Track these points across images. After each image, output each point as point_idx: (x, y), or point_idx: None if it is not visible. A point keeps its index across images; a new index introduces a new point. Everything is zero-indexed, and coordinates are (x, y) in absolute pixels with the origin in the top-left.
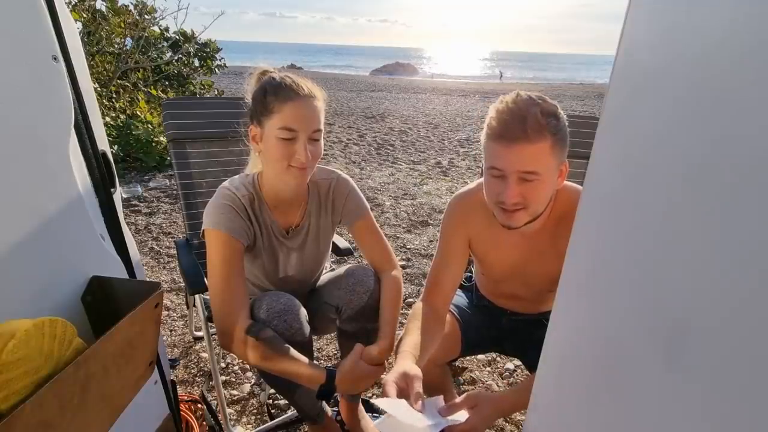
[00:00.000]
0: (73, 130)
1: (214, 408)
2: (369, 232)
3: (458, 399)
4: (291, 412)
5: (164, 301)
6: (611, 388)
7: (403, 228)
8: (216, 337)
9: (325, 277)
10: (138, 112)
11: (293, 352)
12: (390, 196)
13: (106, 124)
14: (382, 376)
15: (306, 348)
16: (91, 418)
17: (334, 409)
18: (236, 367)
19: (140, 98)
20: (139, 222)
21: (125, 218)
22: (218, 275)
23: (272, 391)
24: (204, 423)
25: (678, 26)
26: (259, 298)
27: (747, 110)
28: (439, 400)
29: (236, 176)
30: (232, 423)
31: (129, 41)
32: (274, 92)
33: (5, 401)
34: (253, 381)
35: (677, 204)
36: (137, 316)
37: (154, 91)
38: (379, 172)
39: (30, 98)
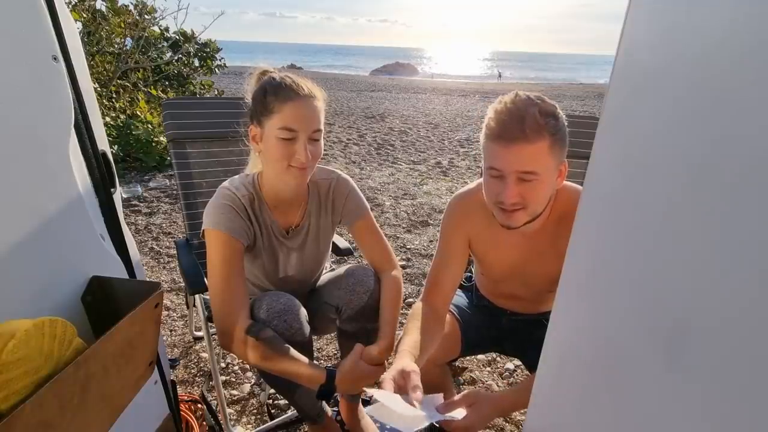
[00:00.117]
0: (73, 130)
1: (214, 408)
2: (369, 232)
3: (456, 397)
4: (291, 412)
5: (164, 301)
6: (611, 387)
7: (403, 228)
8: (216, 337)
9: (325, 277)
10: (138, 112)
11: (293, 352)
12: (390, 196)
13: (106, 124)
14: (382, 375)
15: (306, 348)
16: (91, 418)
17: (334, 409)
18: (236, 367)
19: (140, 98)
20: (139, 222)
21: (125, 218)
22: (218, 275)
23: (272, 391)
24: (204, 423)
25: (678, 26)
26: (259, 298)
27: (747, 110)
28: (438, 397)
29: (236, 176)
30: (232, 423)
31: (129, 41)
32: (274, 92)
33: (5, 401)
34: (253, 381)
35: (677, 204)
36: (137, 316)
37: (154, 91)
38: (379, 172)
39: (30, 98)
